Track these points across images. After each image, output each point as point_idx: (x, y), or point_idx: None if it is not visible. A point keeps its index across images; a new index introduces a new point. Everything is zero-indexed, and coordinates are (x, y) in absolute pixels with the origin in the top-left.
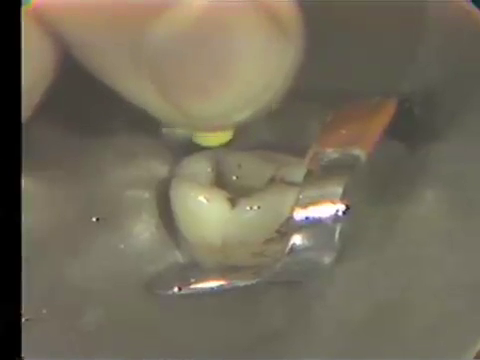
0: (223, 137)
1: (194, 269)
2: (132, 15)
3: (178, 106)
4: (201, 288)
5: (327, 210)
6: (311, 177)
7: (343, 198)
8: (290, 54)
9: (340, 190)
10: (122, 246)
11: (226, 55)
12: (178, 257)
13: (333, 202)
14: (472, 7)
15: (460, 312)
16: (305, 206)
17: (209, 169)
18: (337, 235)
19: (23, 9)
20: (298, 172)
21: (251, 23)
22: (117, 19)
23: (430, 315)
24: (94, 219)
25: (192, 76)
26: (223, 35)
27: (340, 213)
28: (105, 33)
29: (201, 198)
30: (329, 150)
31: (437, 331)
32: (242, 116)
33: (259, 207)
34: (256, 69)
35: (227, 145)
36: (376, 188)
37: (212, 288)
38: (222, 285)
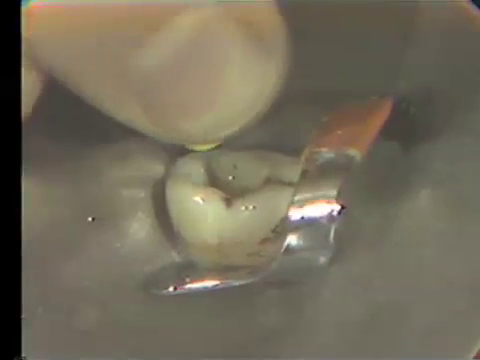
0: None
1: (190, 269)
2: (118, 38)
3: (165, 126)
4: (197, 288)
5: (322, 210)
6: (306, 177)
7: (338, 198)
8: (275, 68)
9: (335, 190)
10: (118, 246)
11: (211, 75)
12: (174, 257)
13: (328, 202)
14: (472, 7)
15: (458, 312)
16: (300, 206)
17: (204, 169)
18: (332, 235)
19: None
20: (293, 172)
21: (234, 41)
22: (102, 43)
23: (427, 315)
24: (90, 219)
25: (178, 97)
26: (207, 55)
27: (335, 213)
28: (90, 56)
29: (197, 198)
30: (325, 150)
31: (435, 331)
32: (229, 131)
33: (255, 207)
34: (241, 86)
35: (222, 145)
36: (371, 188)
37: (208, 288)
38: (218, 285)
